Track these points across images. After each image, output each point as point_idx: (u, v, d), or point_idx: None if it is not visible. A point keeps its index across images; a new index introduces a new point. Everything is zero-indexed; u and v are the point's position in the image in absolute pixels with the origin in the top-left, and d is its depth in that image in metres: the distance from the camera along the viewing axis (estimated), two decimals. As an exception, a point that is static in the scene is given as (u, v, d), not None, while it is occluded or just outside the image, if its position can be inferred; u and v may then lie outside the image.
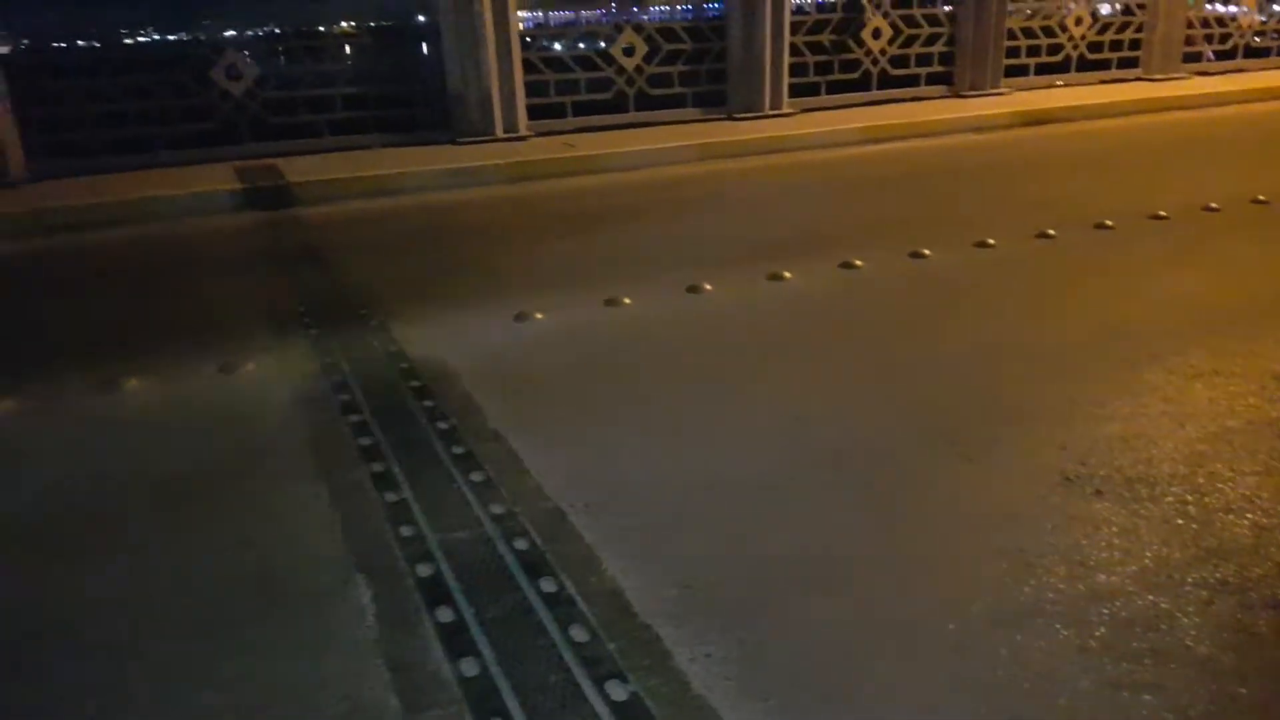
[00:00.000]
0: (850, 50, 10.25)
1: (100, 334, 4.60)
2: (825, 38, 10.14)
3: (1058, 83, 11.19)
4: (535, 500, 2.86)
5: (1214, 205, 6.08)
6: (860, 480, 2.97)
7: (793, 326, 4.35)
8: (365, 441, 3.26)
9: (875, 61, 10.38)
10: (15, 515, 2.94)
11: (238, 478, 3.08)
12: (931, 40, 10.67)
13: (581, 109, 9.43)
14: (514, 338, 4.29)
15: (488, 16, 8.55)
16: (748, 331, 4.30)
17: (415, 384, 3.75)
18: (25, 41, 8.56)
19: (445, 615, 2.34)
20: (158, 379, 3.91)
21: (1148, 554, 2.56)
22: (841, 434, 3.28)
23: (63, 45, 9.42)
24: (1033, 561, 2.53)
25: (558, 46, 9.75)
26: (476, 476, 3.00)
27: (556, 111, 9.36)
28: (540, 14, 10.78)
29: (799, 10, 10.04)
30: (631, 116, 9.54)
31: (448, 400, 3.59)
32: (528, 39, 9.41)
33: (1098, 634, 2.25)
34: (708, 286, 4.82)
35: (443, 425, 3.37)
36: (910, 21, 10.52)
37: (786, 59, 9.76)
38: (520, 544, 2.63)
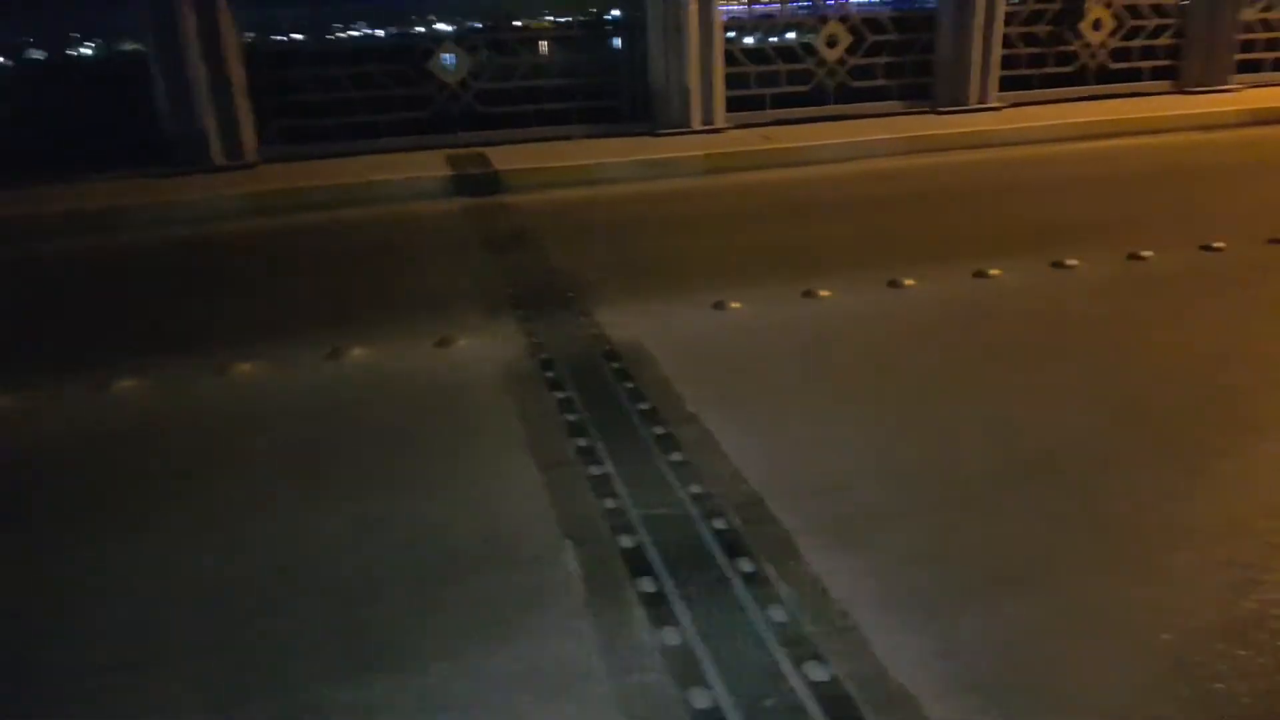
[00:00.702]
0: (1067, 42, 9.69)
1: (326, 307, 5.01)
2: (1041, 29, 9.63)
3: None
4: (733, 483, 2.92)
5: None
6: (1072, 485, 2.86)
7: (999, 325, 4.20)
8: (570, 418, 3.42)
9: (1094, 55, 9.76)
10: (267, 460, 3.28)
11: (454, 443, 3.31)
12: (1157, 32, 9.92)
13: (780, 101, 9.38)
14: (711, 326, 4.36)
15: (693, 8, 8.66)
16: (950, 329, 4.19)
17: (616, 365, 3.89)
18: (250, 35, 9.31)
19: (647, 586, 2.44)
20: (378, 350, 4.23)
21: (1396, 582, 2.34)
22: (1053, 437, 3.15)
23: (293, 37, 10.20)
24: (1258, 578, 2.38)
25: (750, 40, 9.74)
26: (676, 457, 3.09)
27: (754, 104, 9.35)
28: (742, 6, 10.80)
29: (1014, 1, 9.58)
30: (831, 109, 9.41)
31: (647, 383, 3.70)
32: (730, 31, 9.45)
33: (1336, 659, 2.09)
34: (909, 282, 4.72)
35: (643, 406, 3.48)
36: (1135, 12, 9.82)
37: (998, 50, 9.35)
38: (719, 524, 2.69)
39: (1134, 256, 4.97)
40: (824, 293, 4.64)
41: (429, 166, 8.06)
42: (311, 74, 8.83)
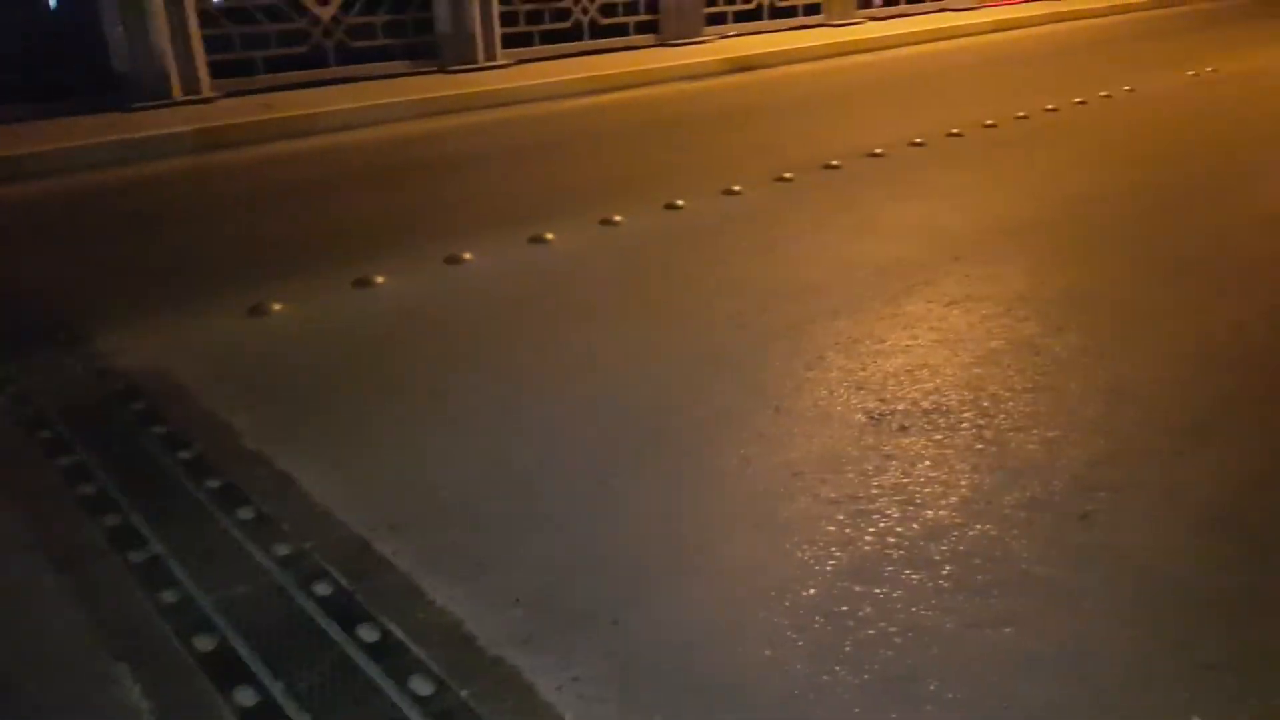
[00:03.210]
0: (560, -1, 10.01)
1: None
2: (534, -15, 9.82)
3: (730, 33, 11.49)
4: (328, 530, 2.41)
5: (918, 140, 6.51)
6: (684, 449, 2.80)
7: (567, 292, 4.09)
8: (86, 490, 2.61)
9: (585, 10, 10.19)
10: None
11: (-89, 561, 2.35)
12: (637, -13, 10.67)
13: (275, 65, 8.45)
14: (252, 335, 3.68)
15: (151, -37, 7.39)
16: (519, 304, 3.98)
17: (138, 406, 3.09)
18: None
19: (246, 697, 1.88)
20: None
21: (963, 483, 2.61)
22: (651, 400, 3.10)
23: None
24: (867, 508, 2.49)
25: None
26: (245, 513, 2.49)
27: (245, 68, 8.33)
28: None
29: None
30: (333, 71, 8.69)
31: (186, 421, 2.98)
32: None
33: (945, 573, 2.25)
34: (467, 256, 4.42)
35: (185, 454, 2.78)
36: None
37: (496, 7, 9.33)
38: (322, 588, 2.20)
39: (671, 206, 5.17)
40: (378, 279, 4.17)
41: None
42: None
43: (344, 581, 2.21)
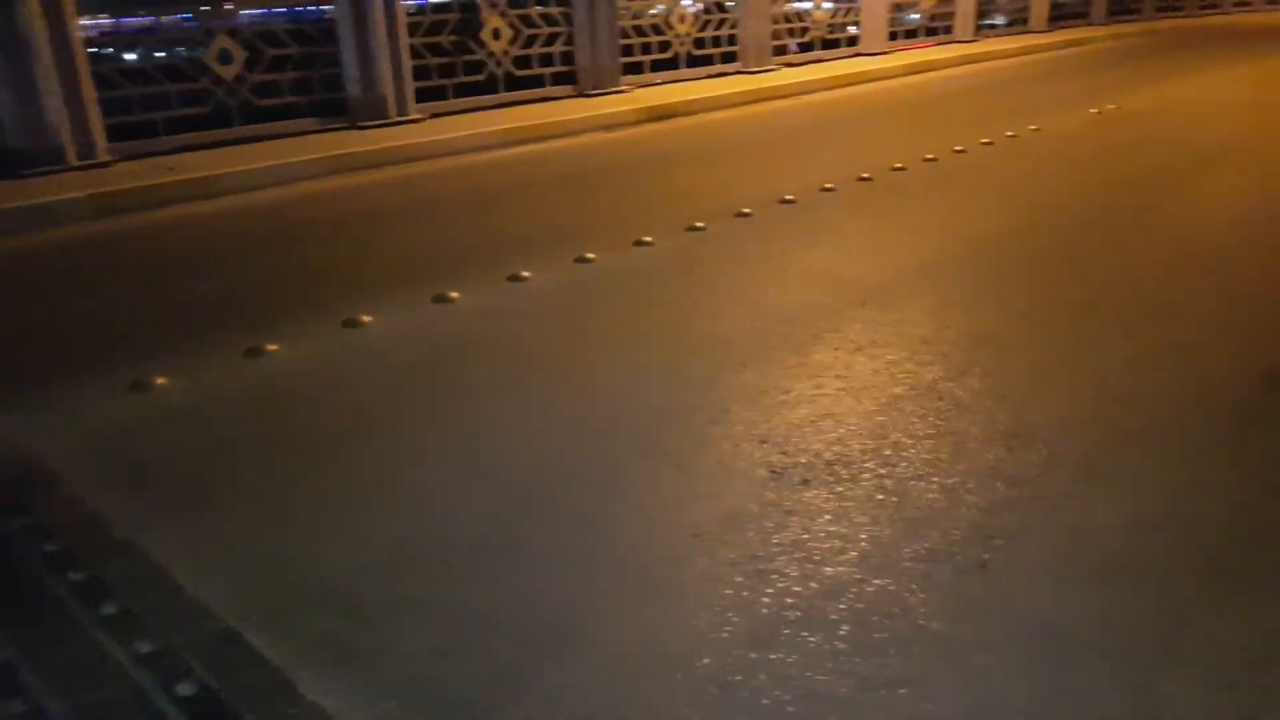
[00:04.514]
0: (472, 51, 9.97)
1: None
2: (445, 39, 9.77)
3: (652, 82, 11.61)
4: (196, 623, 2.28)
5: (829, 185, 6.60)
6: (580, 514, 2.73)
7: (467, 355, 4.00)
8: (-65, 590, 2.44)
9: (499, 63, 10.19)
10: None
11: None
12: (551, 40, 10.68)
13: (176, 126, 8.26)
14: (132, 412, 3.50)
15: (39, 24, 7.17)
16: (417, 369, 3.86)
17: None
18: None
19: (92, 819, 1.74)
20: None
21: (863, 536, 2.58)
22: (549, 463, 3.02)
23: None
24: (765, 568, 2.45)
25: (131, 56, 8.46)
26: (108, 608, 2.33)
27: (145, 130, 8.12)
28: (109, 20, 9.37)
29: (414, 10, 9.59)
30: (239, 131, 8.52)
31: (52, 510, 2.81)
32: (97, 49, 8.09)
33: (842, 633, 2.21)
34: (366, 318, 4.31)
35: (50, 547, 2.61)
36: (528, 21, 10.42)
37: (408, 61, 9.27)
38: (186, 688, 2.06)
39: (581, 260, 5.11)
40: (270, 347, 4.01)
41: None
42: None
43: (210, 680, 2.07)
